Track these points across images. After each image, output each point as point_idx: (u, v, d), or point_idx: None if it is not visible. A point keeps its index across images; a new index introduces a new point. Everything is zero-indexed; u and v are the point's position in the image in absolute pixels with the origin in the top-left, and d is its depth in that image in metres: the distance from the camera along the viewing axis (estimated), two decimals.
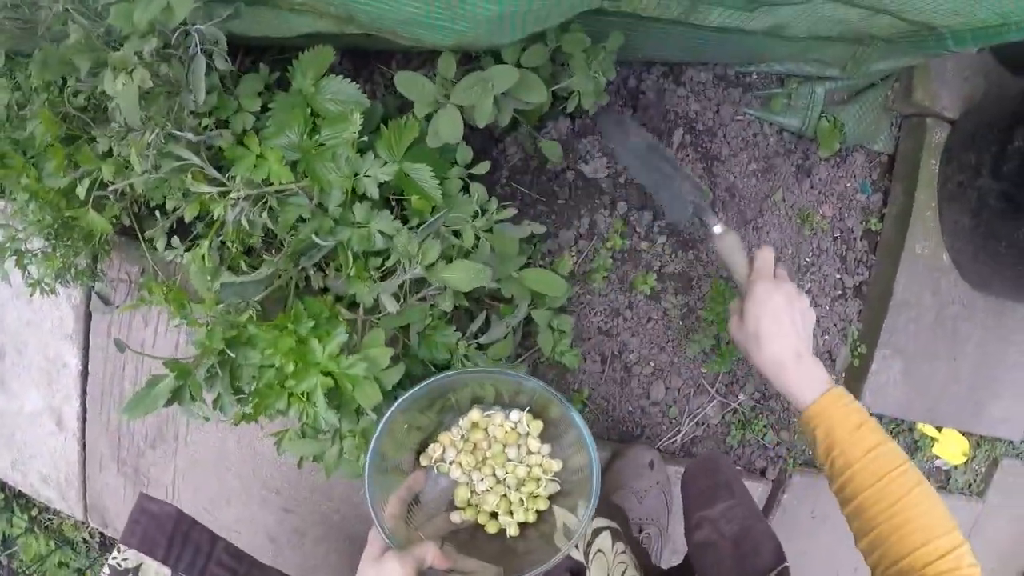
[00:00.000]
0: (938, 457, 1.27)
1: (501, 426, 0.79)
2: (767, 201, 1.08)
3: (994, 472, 1.32)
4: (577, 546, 0.74)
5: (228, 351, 0.74)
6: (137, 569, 0.73)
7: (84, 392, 1.14)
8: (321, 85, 0.79)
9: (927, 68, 1.10)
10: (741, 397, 1.08)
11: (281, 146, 0.75)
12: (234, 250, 0.79)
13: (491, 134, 1.01)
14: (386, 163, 0.77)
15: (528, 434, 0.79)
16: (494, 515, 0.78)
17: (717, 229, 0.81)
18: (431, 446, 0.79)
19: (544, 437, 0.80)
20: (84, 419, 1.15)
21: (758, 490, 1.11)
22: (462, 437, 0.80)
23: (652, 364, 1.05)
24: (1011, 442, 1.32)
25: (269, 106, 0.79)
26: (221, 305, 0.80)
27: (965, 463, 1.30)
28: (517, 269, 0.93)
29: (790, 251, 1.10)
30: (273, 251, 0.81)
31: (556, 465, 0.78)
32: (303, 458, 0.85)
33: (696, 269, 1.05)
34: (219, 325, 0.76)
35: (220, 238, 0.78)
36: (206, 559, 0.76)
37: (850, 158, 1.14)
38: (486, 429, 0.80)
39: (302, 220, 0.76)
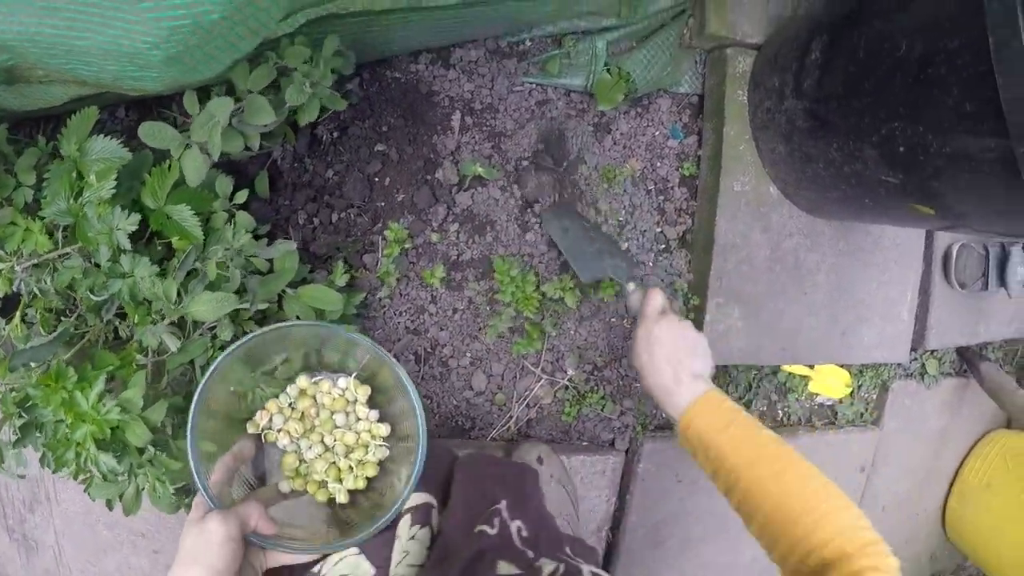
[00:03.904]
0: (817, 395, 1.22)
1: (329, 393, 0.78)
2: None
3: (886, 397, 1.26)
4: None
5: (24, 413, 0.78)
6: None
7: None
8: (86, 147, 0.81)
9: None
10: (570, 372, 1.05)
11: (53, 213, 0.78)
12: (38, 317, 0.84)
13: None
14: (131, 213, 0.79)
15: (356, 400, 0.78)
16: (323, 483, 0.77)
17: (630, 287, 0.88)
18: (258, 413, 0.77)
19: (375, 403, 0.79)
20: None
21: (609, 463, 1.07)
22: (290, 404, 0.78)
23: (468, 355, 1.03)
24: (899, 364, 1.27)
25: (45, 176, 0.82)
26: (15, 373, 0.84)
27: (851, 394, 1.25)
28: (292, 286, 0.93)
29: (602, 216, 1.06)
30: (68, 311, 0.87)
31: (384, 430, 0.77)
32: (110, 500, 0.90)
33: (496, 250, 1.02)
34: (11, 390, 0.81)
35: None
36: None
37: (653, 105, 1.09)
38: (314, 396, 0.79)
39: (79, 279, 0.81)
